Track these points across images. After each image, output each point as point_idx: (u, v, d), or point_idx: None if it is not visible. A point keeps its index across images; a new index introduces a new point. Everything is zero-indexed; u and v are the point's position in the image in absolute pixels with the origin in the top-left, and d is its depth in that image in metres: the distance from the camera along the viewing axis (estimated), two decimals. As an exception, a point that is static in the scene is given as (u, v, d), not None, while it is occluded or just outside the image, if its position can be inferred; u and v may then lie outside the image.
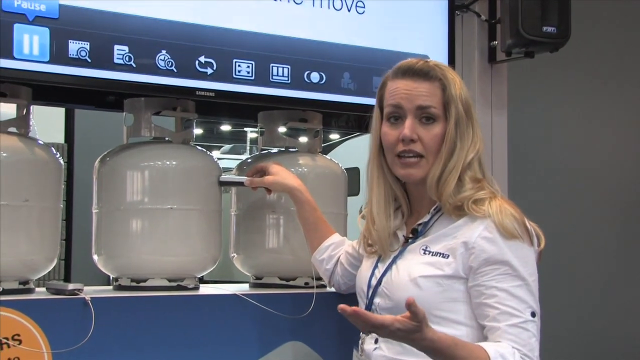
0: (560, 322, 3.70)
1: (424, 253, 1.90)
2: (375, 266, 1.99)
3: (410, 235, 1.97)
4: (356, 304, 2.04)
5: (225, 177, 2.37)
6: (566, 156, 4.10)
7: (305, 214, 2.28)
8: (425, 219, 1.95)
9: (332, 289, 2.35)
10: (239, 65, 2.36)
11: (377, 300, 1.95)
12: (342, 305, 1.64)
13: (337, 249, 2.27)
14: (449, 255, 1.85)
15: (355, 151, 7.50)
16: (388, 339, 1.87)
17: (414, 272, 1.88)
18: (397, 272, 1.92)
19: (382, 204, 2.00)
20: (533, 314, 1.80)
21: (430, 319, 1.82)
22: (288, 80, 2.44)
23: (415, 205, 2.02)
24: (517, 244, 1.83)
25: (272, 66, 2.41)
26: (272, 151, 2.59)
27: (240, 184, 2.37)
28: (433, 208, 1.95)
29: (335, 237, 2.29)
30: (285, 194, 2.36)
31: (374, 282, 1.97)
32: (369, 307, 1.97)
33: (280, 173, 2.31)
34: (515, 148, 3.61)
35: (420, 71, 1.94)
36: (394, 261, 1.95)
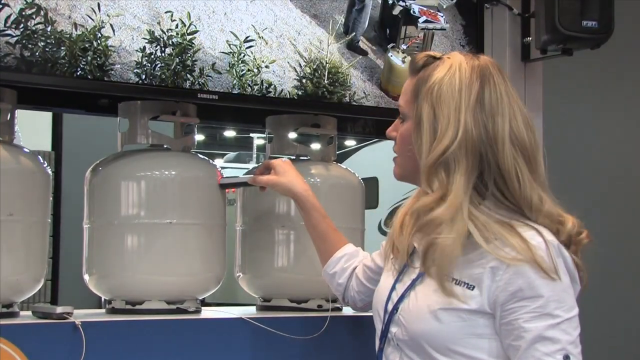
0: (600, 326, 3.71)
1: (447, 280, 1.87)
2: (393, 288, 1.97)
3: None
4: (371, 327, 2.03)
5: (227, 179, 2.37)
6: (606, 162, 4.09)
7: (312, 222, 2.27)
8: None
9: (347, 312, 2.35)
10: (245, 65, 2.39)
11: (393, 329, 1.92)
12: None
13: (350, 261, 2.25)
14: (474, 287, 1.82)
15: (373, 159, 7.52)
16: None
17: (435, 304, 1.84)
18: (415, 300, 1.89)
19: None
20: (567, 357, 1.75)
21: (450, 355, 1.82)
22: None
23: None
24: (552, 276, 1.77)
25: (282, 66, 2.43)
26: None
27: (243, 184, 2.38)
28: None
29: (348, 248, 2.27)
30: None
31: (390, 306, 1.95)
32: (384, 333, 1.95)
33: (286, 173, 2.30)
34: (551, 153, 3.59)
35: (410, 64, 1.98)
36: (412, 285, 1.92)
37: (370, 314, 2.09)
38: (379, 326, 1.99)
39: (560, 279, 1.78)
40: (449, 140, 1.84)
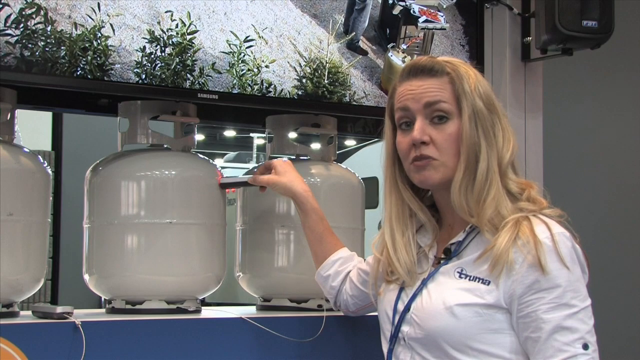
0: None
1: (460, 277, 1.86)
2: (402, 289, 1.96)
3: (443, 256, 1.94)
4: (370, 327, 2.02)
5: (227, 178, 2.37)
6: (606, 162, 4.09)
7: (310, 224, 2.26)
8: (460, 237, 1.92)
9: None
10: (245, 65, 2.38)
11: (405, 328, 1.91)
12: None
13: (344, 265, 2.24)
14: (489, 282, 1.82)
15: (373, 159, 7.52)
16: None
17: (450, 300, 1.84)
18: (429, 298, 1.88)
19: (399, 226, 1.97)
20: (585, 346, 1.76)
21: (467, 352, 1.81)
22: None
23: (446, 218, 1.98)
24: (565, 267, 1.79)
25: (282, 65, 2.43)
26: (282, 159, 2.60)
27: (243, 184, 2.38)
28: (469, 226, 1.91)
29: (344, 252, 2.26)
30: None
31: (400, 306, 1.94)
32: (395, 334, 1.94)
33: (286, 174, 2.29)
34: (551, 154, 3.61)
35: (424, 67, 1.92)
36: (424, 284, 1.91)
37: (368, 314, 2.09)
38: (387, 327, 1.97)
39: (572, 269, 1.80)
40: (514, 137, 1.90)
